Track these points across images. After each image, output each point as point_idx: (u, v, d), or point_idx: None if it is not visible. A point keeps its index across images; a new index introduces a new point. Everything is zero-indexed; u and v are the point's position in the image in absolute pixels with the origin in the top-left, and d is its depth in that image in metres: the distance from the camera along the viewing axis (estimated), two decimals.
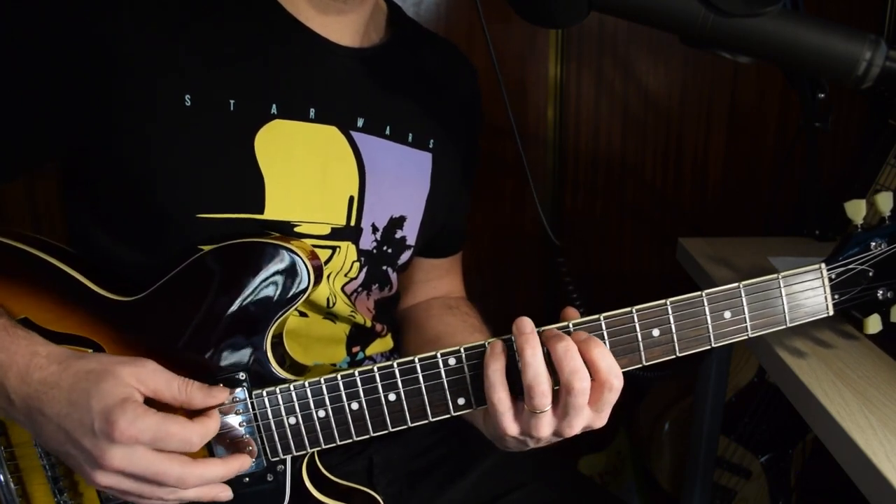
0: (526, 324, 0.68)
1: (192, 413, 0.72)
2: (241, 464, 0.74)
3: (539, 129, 1.84)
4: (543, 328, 0.70)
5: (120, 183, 0.78)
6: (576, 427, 0.69)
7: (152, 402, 0.70)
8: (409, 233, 0.94)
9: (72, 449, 0.69)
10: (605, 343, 0.70)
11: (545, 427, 0.69)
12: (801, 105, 0.87)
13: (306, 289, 0.75)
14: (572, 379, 0.66)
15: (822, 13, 0.67)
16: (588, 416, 0.69)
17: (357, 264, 0.90)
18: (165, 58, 0.75)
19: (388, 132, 0.89)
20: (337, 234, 0.86)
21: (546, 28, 1.74)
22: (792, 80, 0.86)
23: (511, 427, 0.70)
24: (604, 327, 0.70)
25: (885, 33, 1.75)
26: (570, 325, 0.70)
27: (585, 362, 0.67)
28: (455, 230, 1.07)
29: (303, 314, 0.87)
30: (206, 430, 0.70)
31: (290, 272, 0.75)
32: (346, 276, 0.89)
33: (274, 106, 0.80)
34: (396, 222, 0.92)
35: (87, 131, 0.76)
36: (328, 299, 0.87)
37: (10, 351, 0.70)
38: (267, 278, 0.74)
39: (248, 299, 0.74)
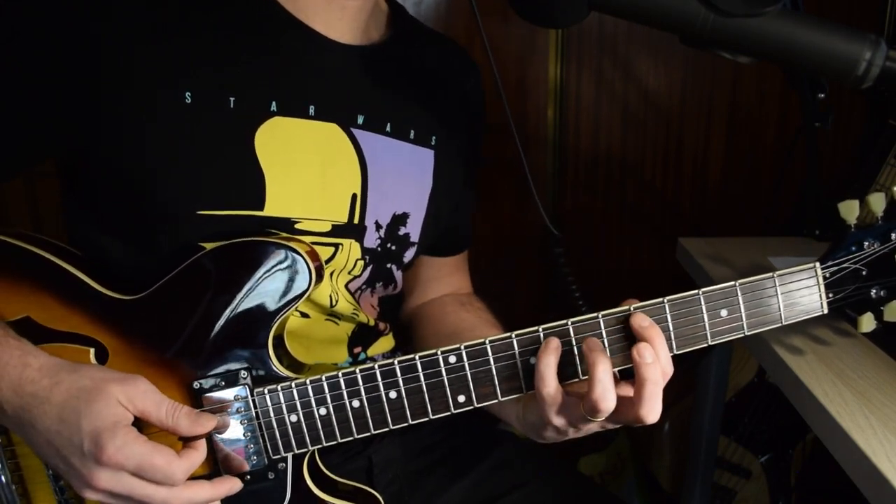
0: (597, 342, 0.69)
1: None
2: (231, 486, 0.74)
3: (539, 129, 1.84)
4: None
5: (120, 181, 0.78)
6: (621, 423, 0.71)
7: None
8: (413, 229, 0.94)
9: (61, 463, 0.70)
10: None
11: (595, 424, 0.71)
12: (801, 105, 0.87)
13: (307, 287, 0.75)
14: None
15: (822, 13, 0.67)
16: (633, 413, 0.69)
17: (361, 263, 0.90)
18: (165, 56, 0.75)
19: (388, 129, 0.90)
20: (338, 231, 0.86)
21: (546, 28, 1.74)
22: (792, 80, 0.86)
23: (557, 419, 0.71)
24: (602, 325, 0.71)
25: (885, 33, 1.75)
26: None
27: None
28: (461, 228, 1.08)
29: (304, 315, 0.87)
30: (191, 463, 0.70)
31: (292, 270, 0.75)
32: (349, 273, 0.90)
33: (273, 103, 0.80)
34: (400, 219, 0.92)
35: (87, 131, 0.76)
36: (330, 297, 0.87)
37: (1, 361, 0.70)
38: (268, 277, 0.75)
39: (250, 297, 0.75)
